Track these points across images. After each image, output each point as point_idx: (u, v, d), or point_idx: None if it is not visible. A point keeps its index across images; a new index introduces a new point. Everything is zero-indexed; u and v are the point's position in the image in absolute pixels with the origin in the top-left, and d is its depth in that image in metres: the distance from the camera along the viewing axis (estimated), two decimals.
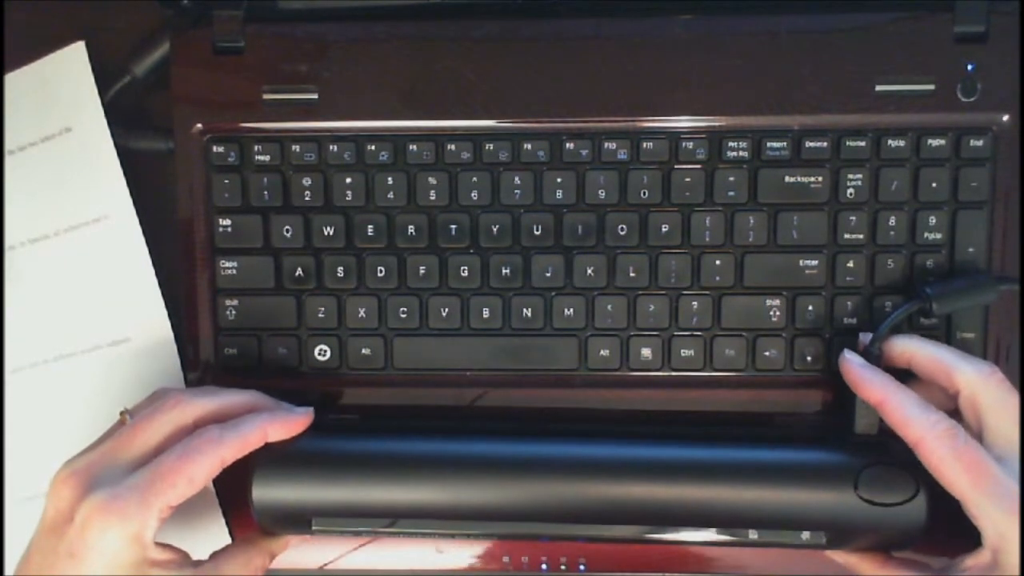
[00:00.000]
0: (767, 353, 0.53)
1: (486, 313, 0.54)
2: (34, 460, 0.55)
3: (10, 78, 0.55)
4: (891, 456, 0.49)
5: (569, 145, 0.53)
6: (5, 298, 0.56)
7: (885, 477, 0.48)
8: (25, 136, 0.56)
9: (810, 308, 0.53)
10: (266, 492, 0.49)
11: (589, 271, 0.53)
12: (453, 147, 0.53)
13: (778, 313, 0.53)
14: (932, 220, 0.52)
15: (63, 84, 0.55)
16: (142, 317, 0.55)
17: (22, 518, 0.55)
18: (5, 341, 0.56)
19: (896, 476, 0.48)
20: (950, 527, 0.47)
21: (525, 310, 0.54)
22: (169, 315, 0.55)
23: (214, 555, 0.50)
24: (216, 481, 0.54)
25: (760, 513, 0.48)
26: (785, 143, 0.52)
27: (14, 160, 0.56)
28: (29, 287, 0.56)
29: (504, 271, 0.54)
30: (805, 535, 0.49)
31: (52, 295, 0.56)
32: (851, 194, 0.52)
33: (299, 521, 0.50)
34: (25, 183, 0.56)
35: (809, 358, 0.53)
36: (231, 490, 0.54)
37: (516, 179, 0.53)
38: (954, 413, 0.47)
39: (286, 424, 0.50)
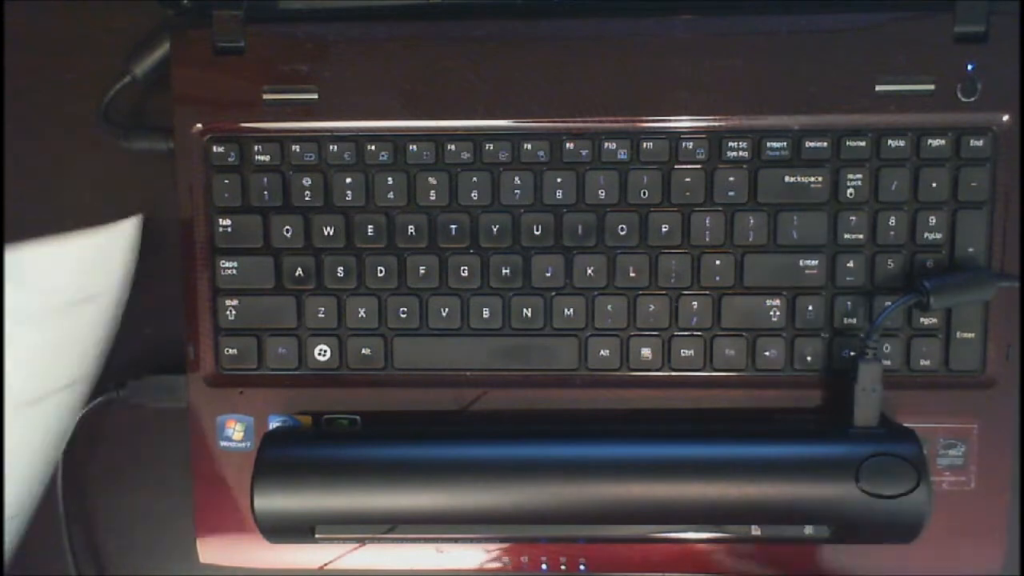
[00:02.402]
0: (767, 353, 0.53)
1: (486, 313, 0.54)
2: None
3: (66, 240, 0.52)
4: (892, 447, 0.49)
5: (569, 145, 0.53)
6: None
7: (886, 469, 0.48)
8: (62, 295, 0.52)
9: (810, 308, 0.53)
10: (268, 502, 0.49)
11: (589, 271, 0.53)
12: (453, 147, 0.53)
13: (778, 313, 0.53)
14: (932, 220, 0.52)
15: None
16: None
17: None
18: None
19: (897, 467, 0.48)
20: (951, 523, 0.47)
21: (525, 310, 0.54)
22: (169, 315, 0.55)
23: None
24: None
25: (762, 508, 0.48)
26: (785, 143, 0.52)
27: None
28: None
29: (504, 271, 0.54)
30: (808, 529, 0.49)
31: None
32: (851, 194, 0.52)
33: (302, 529, 0.50)
34: None
35: (809, 358, 0.53)
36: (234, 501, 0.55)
37: (516, 179, 0.53)
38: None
39: None
